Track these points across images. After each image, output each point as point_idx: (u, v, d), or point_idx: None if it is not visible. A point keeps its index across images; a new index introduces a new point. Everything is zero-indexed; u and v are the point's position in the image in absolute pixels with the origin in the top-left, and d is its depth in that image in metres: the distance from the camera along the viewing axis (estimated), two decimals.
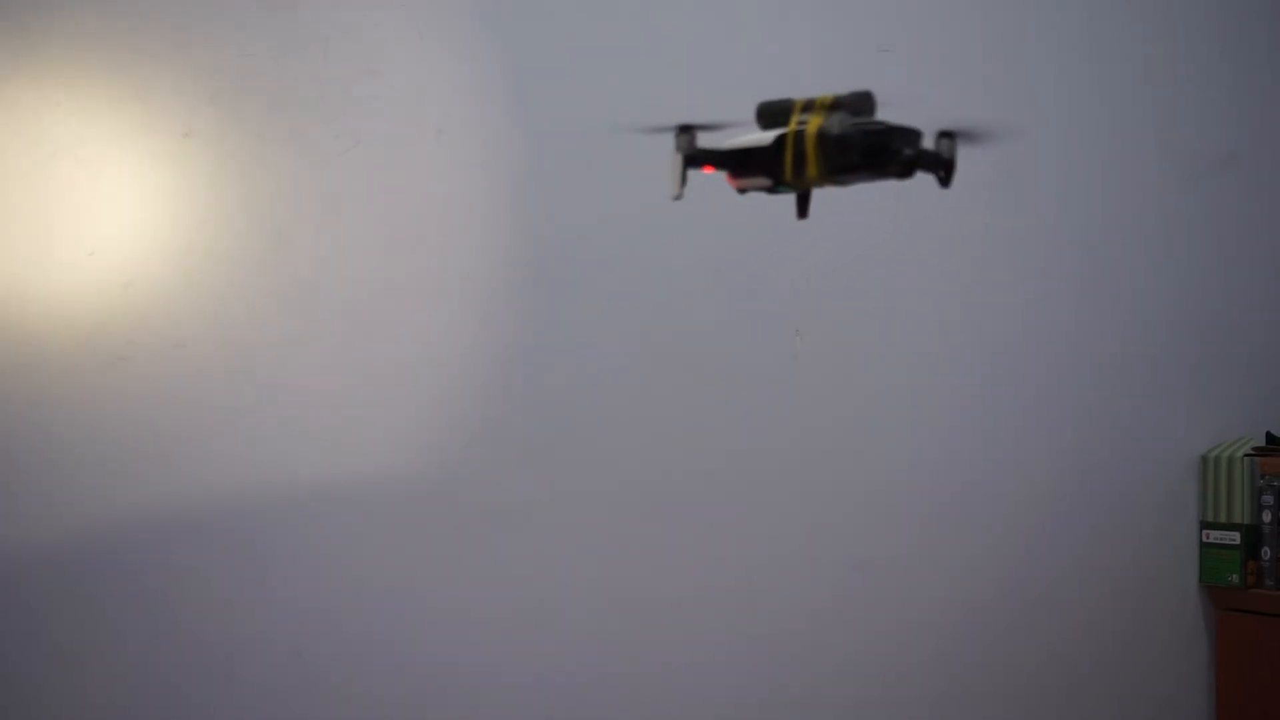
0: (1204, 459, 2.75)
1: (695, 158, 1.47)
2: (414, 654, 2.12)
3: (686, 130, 1.47)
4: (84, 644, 1.94)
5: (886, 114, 1.39)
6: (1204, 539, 2.74)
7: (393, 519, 2.11)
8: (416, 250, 2.14)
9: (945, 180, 1.45)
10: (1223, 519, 2.72)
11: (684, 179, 1.47)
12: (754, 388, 2.35)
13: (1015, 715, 2.55)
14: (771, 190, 1.47)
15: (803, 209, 1.52)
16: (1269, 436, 2.82)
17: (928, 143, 1.43)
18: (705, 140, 1.47)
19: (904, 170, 1.40)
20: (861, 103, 1.43)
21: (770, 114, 1.49)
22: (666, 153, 1.43)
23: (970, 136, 1.42)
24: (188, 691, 1.98)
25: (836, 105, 1.44)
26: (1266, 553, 2.69)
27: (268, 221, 2.05)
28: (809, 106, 1.46)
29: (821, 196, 1.58)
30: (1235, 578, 2.69)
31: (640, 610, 2.26)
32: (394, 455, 2.12)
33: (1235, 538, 2.70)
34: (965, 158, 1.40)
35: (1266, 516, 2.69)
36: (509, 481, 2.18)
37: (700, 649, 2.30)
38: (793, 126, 1.44)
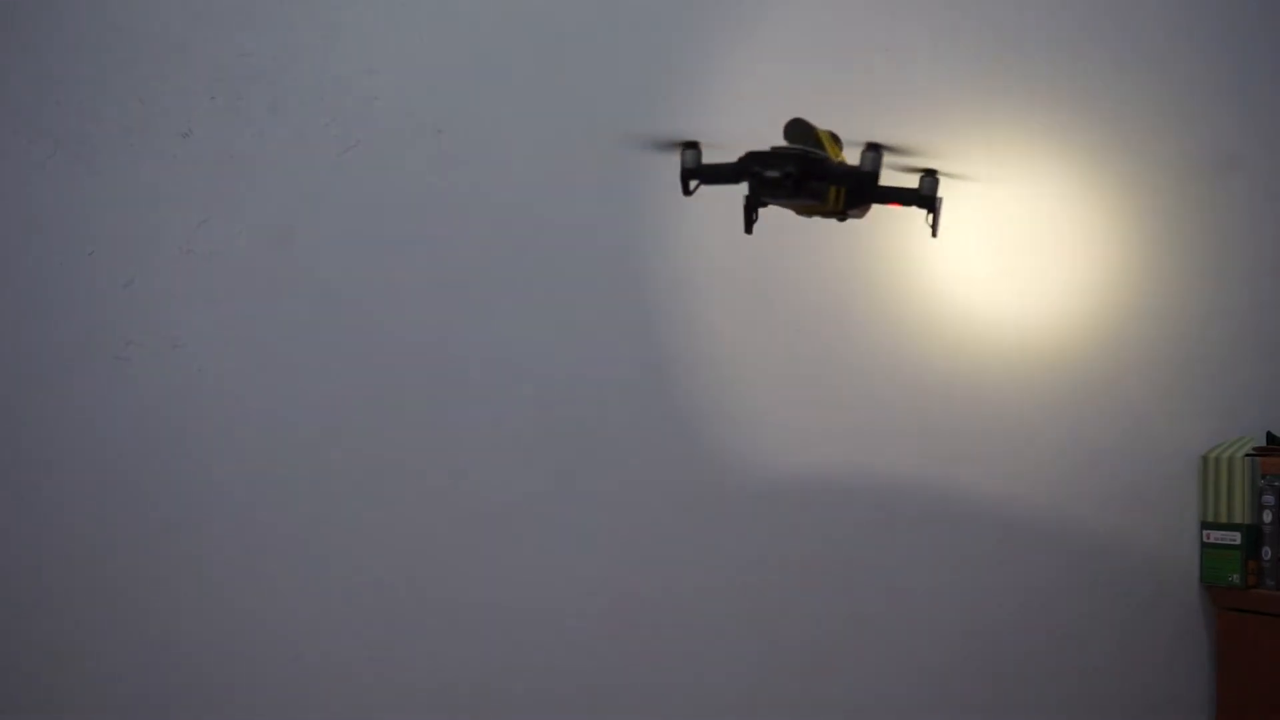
0: (1204, 459, 2.75)
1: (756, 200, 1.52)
2: (412, 655, 2.12)
3: (692, 146, 1.52)
4: (85, 641, 1.94)
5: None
6: (1204, 539, 2.74)
7: (390, 517, 2.11)
8: (416, 249, 2.14)
9: (866, 178, 1.47)
10: (1223, 519, 2.72)
11: (751, 217, 1.54)
12: (753, 389, 2.34)
13: (1016, 715, 2.55)
14: (839, 217, 1.52)
15: (934, 229, 1.58)
16: (1269, 436, 2.82)
17: (854, 156, 1.47)
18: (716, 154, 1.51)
19: (781, 187, 1.43)
20: (791, 130, 1.48)
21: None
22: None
23: (892, 149, 1.45)
24: (189, 689, 1.98)
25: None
26: (1267, 553, 2.69)
27: (268, 221, 2.05)
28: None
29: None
30: (1235, 578, 2.69)
31: (640, 611, 2.26)
32: (395, 450, 2.12)
33: (1235, 538, 2.70)
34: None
35: (1267, 516, 2.69)
36: (517, 481, 2.18)
37: (701, 648, 2.30)
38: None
